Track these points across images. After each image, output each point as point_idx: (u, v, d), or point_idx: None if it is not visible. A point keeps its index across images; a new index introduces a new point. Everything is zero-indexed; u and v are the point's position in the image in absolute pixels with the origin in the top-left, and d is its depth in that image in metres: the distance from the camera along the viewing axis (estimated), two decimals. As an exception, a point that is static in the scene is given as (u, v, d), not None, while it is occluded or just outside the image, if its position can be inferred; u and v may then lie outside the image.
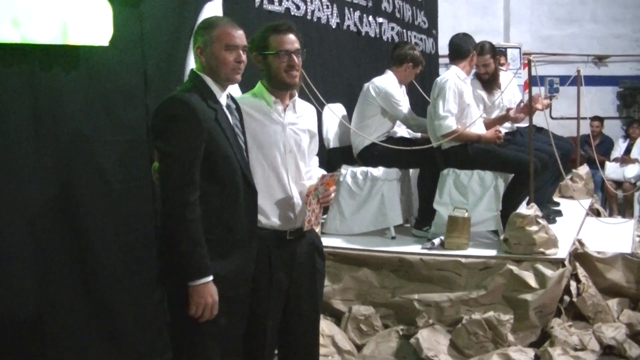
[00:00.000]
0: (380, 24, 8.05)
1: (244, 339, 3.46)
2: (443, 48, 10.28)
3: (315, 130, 3.74)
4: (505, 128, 6.68)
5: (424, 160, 5.87)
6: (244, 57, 3.21)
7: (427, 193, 5.97)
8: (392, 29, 8.40)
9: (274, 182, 3.49)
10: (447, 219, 5.55)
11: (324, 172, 3.59)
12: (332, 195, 3.64)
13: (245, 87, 3.90)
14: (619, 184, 10.91)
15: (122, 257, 4.07)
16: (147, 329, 4.27)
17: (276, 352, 3.74)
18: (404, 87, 6.59)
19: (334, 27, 6.90)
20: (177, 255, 3.03)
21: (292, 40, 3.45)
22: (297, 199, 3.51)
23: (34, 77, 3.50)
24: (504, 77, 6.97)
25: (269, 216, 3.48)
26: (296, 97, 3.63)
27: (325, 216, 6.09)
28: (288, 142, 3.52)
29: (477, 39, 6.28)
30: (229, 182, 3.17)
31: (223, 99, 3.25)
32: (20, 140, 3.44)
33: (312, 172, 3.75)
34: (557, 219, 6.53)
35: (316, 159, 3.98)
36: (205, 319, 3.07)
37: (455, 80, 5.80)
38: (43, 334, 3.57)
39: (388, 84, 6.18)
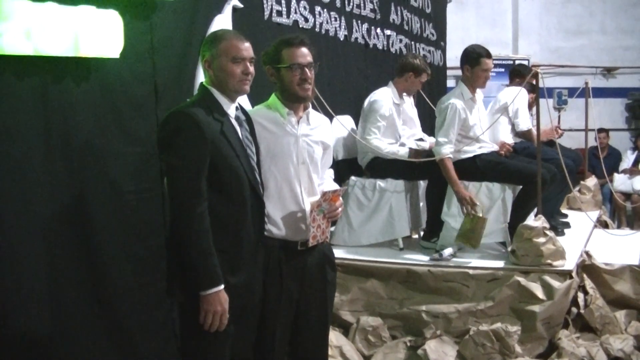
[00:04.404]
0: (389, 36, 8.07)
1: (254, 349, 3.50)
2: (451, 60, 10.35)
3: (329, 142, 3.78)
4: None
5: (432, 172, 5.87)
6: (251, 68, 3.27)
7: (435, 205, 5.98)
8: (401, 41, 8.42)
9: (286, 193, 3.53)
10: (465, 217, 5.55)
11: (325, 190, 3.61)
12: (339, 210, 3.65)
13: (256, 98, 3.93)
14: (627, 195, 10.90)
15: (132, 268, 4.08)
16: (155, 338, 4.28)
17: (285, 362, 3.78)
18: (411, 99, 6.59)
19: (341, 39, 6.92)
20: (187, 265, 3.07)
21: (304, 54, 3.49)
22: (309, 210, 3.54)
23: (46, 89, 3.52)
24: (512, 91, 6.99)
25: (281, 227, 3.52)
26: (310, 109, 3.66)
27: (333, 228, 6.10)
28: (301, 153, 3.56)
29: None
30: (236, 193, 3.21)
31: (231, 111, 3.30)
32: (31, 152, 3.46)
33: (326, 184, 3.79)
34: (565, 230, 6.54)
35: (331, 172, 3.99)
36: (215, 328, 3.11)
37: (457, 103, 5.73)
38: (53, 342, 3.58)
39: (380, 96, 6.14)
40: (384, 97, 6.11)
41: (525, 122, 6.95)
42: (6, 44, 3.21)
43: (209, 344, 3.18)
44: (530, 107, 7.19)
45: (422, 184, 6.39)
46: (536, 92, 6.14)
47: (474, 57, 5.80)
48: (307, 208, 3.52)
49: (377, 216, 6.08)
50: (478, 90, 6.01)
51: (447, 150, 5.62)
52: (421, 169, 5.89)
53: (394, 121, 6.16)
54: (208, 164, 3.11)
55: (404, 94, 6.41)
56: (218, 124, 3.17)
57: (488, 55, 5.82)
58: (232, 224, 3.20)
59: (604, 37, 12.90)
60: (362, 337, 5.33)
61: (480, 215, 5.53)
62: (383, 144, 6.00)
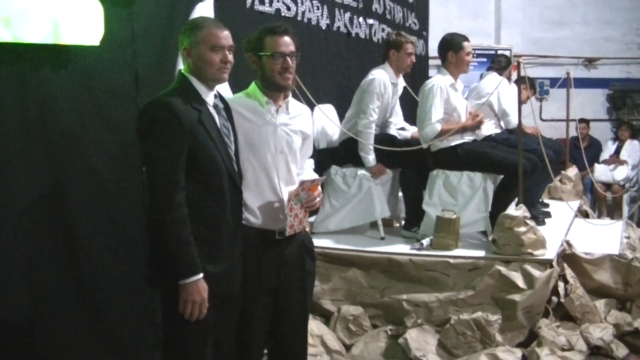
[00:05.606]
0: (371, 26, 8.06)
1: (235, 338, 3.49)
2: (434, 50, 10.33)
3: (309, 131, 3.75)
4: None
5: (412, 161, 5.87)
6: (230, 57, 3.25)
7: (413, 193, 6.00)
8: (383, 30, 8.40)
9: (264, 182, 3.51)
10: (435, 220, 5.58)
11: (303, 179, 3.59)
12: (318, 200, 3.64)
13: (238, 87, 3.91)
14: (608, 186, 10.96)
15: (112, 257, 4.07)
16: (137, 327, 4.27)
17: (265, 351, 3.77)
18: (400, 86, 6.56)
19: (324, 28, 6.90)
20: (166, 255, 3.06)
21: (287, 43, 3.48)
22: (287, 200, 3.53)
23: (25, 77, 3.50)
24: (494, 79, 7.01)
25: (258, 216, 3.50)
26: (290, 98, 3.64)
27: (312, 218, 6.09)
28: (279, 142, 3.53)
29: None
30: (214, 182, 3.20)
31: (210, 99, 3.28)
32: (10, 140, 3.44)
33: (305, 174, 3.77)
34: (545, 220, 6.56)
35: (311, 162, 3.98)
36: (195, 317, 3.10)
37: (440, 84, 5.80)
38: (32, 332, 3.57)
39: (378, 74, 6.10)
40: (382, 75, 6.09)
41: (516, 118, 6.95)
42: (-16, 31, 3.19)
43: (189, 333, 3.17)
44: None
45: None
46: (519, 82, 6.20)
47: (457, 42, 5.97)
48: (285, 197, 3.51)
49: (357, 199, 6.08)
50: (459, 81, 6.04)
51: (437, 127, 5.69)
52: (402, 158, 5.88)
53: (388, 101, 6.15)
54: (186, 154, 3.09)
55: (400, 74, 6.40)
56: (196, 112, 3.15)
57: (467, 39, 6.07)
58: (210, 213, 3.19)
59: (585, 28, 12.90)
60: (343, 326, 5.34)
61: (454, 217, 5.56)
62: (370, 141, 5.98)
